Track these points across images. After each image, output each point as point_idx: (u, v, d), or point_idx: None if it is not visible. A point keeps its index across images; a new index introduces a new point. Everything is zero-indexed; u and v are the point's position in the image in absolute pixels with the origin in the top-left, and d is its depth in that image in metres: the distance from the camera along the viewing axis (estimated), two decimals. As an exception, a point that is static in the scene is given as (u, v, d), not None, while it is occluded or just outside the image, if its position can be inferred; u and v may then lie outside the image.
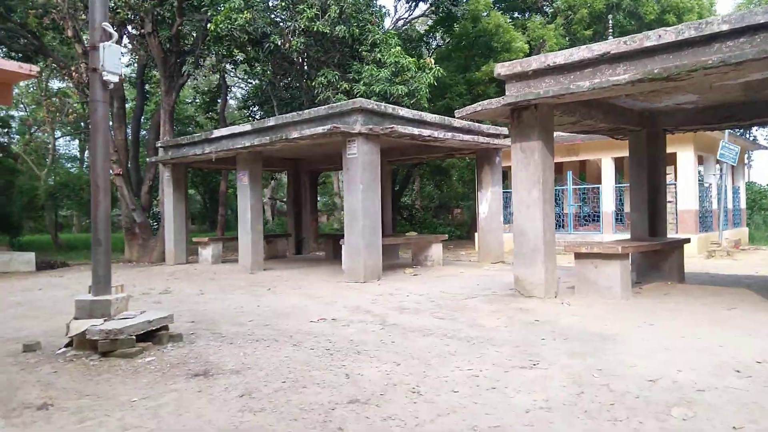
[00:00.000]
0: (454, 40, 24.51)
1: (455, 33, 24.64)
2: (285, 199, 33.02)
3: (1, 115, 31.06)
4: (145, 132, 25.57)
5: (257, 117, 23.54)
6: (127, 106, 20.81)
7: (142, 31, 17.24)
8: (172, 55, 17.58)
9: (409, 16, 29.55)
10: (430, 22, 30.02)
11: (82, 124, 32.29)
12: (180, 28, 16.69)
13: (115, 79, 5.20)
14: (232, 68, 28.67)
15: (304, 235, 16.10)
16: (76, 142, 42.55)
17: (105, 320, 4.90)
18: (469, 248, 18.17)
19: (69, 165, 41.37)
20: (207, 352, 4.92)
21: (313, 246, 16.75)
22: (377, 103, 9.93)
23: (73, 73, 17.11)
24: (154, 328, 5.03)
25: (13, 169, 28.70)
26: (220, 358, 4.70)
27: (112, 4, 17.54)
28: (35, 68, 13.90)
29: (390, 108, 10.00)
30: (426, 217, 29.48)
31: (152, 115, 22.70)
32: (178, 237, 13.41)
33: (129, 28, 17.94)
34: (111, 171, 18.66)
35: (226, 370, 4.33)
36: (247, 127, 11.36)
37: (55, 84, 31.49)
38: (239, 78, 34.84)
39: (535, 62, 7.03)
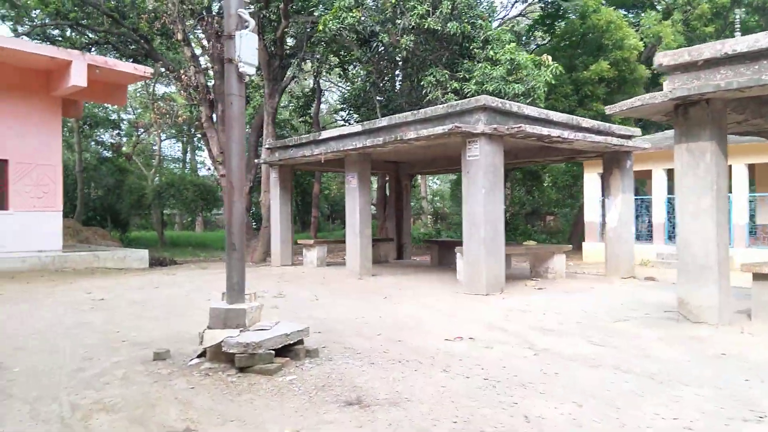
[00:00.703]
0: (556, 39, 23.22)
1: (558, 32, 23.34)
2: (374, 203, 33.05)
3: (113, 117, 33.12)
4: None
5: (352, 121, 23.42)
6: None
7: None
8: (276, 58, 17.74)
9: (506, 15, 28.47)
10: (526, 22, 28.79)
11: (185, 127, 33.95)
12: (285, 30, 16.75)
13: (252, 70, 4.83)
14: (327, 72, 29.00)
15: (405, 240, 15.58)
16: (179, 144, 44.98)
17: (240, 331, 4.52)
18: (575, 259, 16.89)
19: (172, 166, 43.72)
20: (350, 373, 4.40)
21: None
22: (501, 100, 9.18)
23: (182, 76, 17.71)
24: (290, 342, 4.59)
25: (123, 169, 30.53)
26: (367, 382, 4.16)
27: (217, 8, 18.03)
28: (149, 70, 14.38)
29: (515, 106, 9.21)
30: (518, 223, 28.19)
31: (251, 119, 23.21)
32: (284, 238, 13.30)
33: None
34: (217, 172, 19.33)
35: (381, 400, 3.77)
36: (357, 128, 10.98)
37: (161, 89, 33.07)
38: (332, 83, 35.28)
39: (708, 50, 6.01)
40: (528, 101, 12.44)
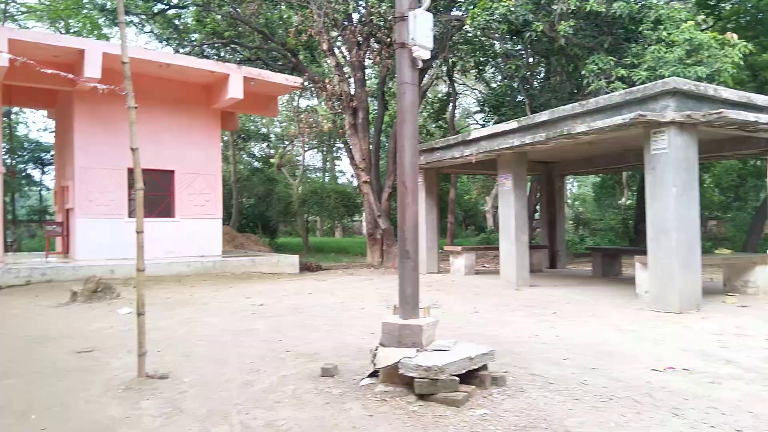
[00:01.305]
0: (722, 22, 20.24)
1: (725, 13, 20.34)
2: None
3: (263, 131, 35.31)
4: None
5: (490, 124, 22.40)
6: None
7: (389, 39, 17.34)
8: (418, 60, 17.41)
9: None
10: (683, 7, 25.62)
11: (325, 138, 35.20)
12: (428, 30, 16.30)
13: (427, 54, 4.26)
14: (463, 74, 28.27)
15: (558, 247, 14.28)
16: (319, 155, 47.00)
17: (417, 351, 3.93)
18: None
19: (314, 176, 45.76)
20: (553, 411, 3.60)
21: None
22: (694, 83, 7.77)
23: (327, 86, 18.06)
24: (475, 368, 3.91)
25: (272, 179, 32.38)
26: (581, 426, 3.33)
27: (359, 15, 18.13)
28: (298, 80, 14.67)
29: (710, 89, 7.75)
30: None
31: (386, 126, 23.21)
32: (430, 245, 12.79)
33: (371, 41, 18.33)
34: (359, 178, 19.49)
35: (611, 455, 2.95)
36: (513, 124, 10.09)
37: (304, 102, 34.50)
38: (467, 86, 34.50)
39: None
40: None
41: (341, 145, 44.56)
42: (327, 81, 18.38)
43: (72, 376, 4.88)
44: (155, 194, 13.88)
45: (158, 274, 12.07)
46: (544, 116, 9.44)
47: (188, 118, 13.91)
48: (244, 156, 35.69)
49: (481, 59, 19.65)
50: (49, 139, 34.95)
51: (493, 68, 21.94)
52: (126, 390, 4.40)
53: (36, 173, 34.80)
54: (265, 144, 34.34)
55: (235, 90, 12.99)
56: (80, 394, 4.32)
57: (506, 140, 10.04)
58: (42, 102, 14.87)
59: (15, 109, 27.40)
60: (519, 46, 14.87)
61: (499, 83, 19.90)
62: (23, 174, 32.30)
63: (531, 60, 16.77)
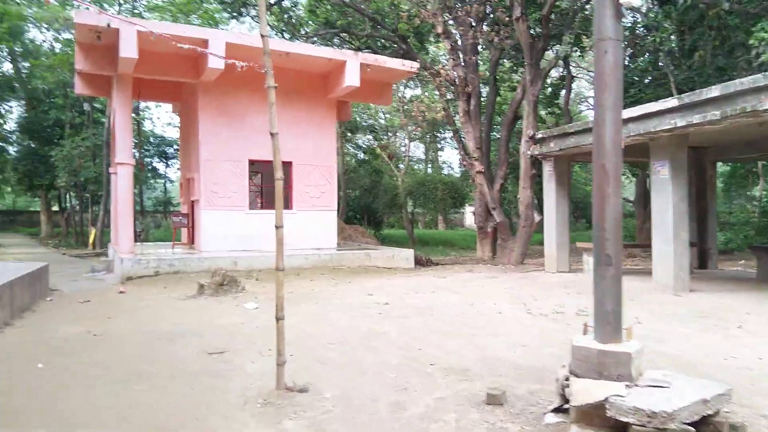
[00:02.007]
0: None
1: None
2: (632, 200, 28.87)
3: (369, 122, 35.21)
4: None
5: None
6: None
7: (507, 18, 16.16)
8: (540, 39, 16.11)
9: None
10: None
11: (431, 128, 34.44)
12: (555, 6, 14.97)
13: (637, 1, 3.31)
14: (581, 56, 26.21)
15: (709, 245, 12.47)
16: (421, 146, 46.36)
17: (627, 386, 3.03)
18: None
19: (416, 167, 45.22)
20: None
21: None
22: None
23: (440, 70, 17.24)
24: (710, 412, 2.95)
25: (378, 171, 32.20)
26: None
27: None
28: (414, 65, 13.87)
29: None
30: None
31: (496, 110, 21.90)
32: (560, 241, 11.61)
33: (484, 23, 17.20)
34: (471, 168, 18.54)
35: None
36: (671, 103, 8.68)
37: (408, 92, 33.89)
38: (581, 68, 32.16)
39: None
40: None
41: (445, 136, 43.75)
42: (440, 66, 17.58)
43: (204, 381, 4.51)
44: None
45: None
46: (714, 91, 7.96)
47: (305, 108, 13.72)
48: (349, 148, 35.88)
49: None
50: (172, 133, 37.32)
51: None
52: (265, 405, 3.92)
53: (161, 166, 37.36)
54: (371, 135, 34.17)
55: (351, 77, 12.55)
56: (216, 407, 3.89)
57: (663, 121, 8.66)
58: (168, 96, 15.42)
59: (142, 106, 29.30)
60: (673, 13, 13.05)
61: (642, 59, 17.87)
62: (150, 167, 34.65)
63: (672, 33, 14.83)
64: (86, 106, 22.77)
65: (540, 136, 11.95)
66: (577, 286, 9.64)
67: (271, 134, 4.21)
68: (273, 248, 11.76)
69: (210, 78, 12.12)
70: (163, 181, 39.16)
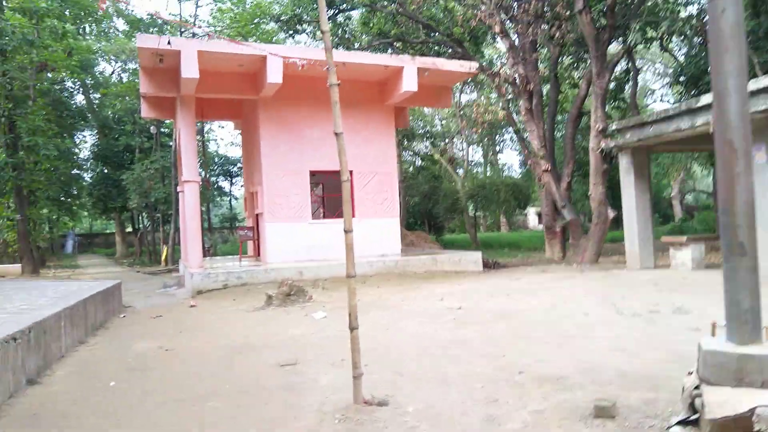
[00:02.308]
0: None
1: None
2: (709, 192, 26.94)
3: (424, 129, 34.88)
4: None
5: (685, 98, 19.09)
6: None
7: (567, 13, 15.47)
8: (605, 30, 15.29)
9: None
10: None
11: (490, 131, 33.75)
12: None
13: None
14: (646, 47, 24.88)
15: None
16: (479, 149, 45.57)
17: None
18: None
19: (475, 171, 44.42)
20: None
21: None
22: None
23: (500, 71, 16.71)
24: None
25: (437, 176, 31.76)
26: None
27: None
28: (474, 65, 13.48)
29: None
30: None
31: (559, 104, 21.01)
32: (643, 236, 10.80)
33: (543, 19, 16.50)
34: (536, 168, 17.83)
35: None
36: (765, 82, 7.85)
37: (464, 97, 33.32)
38: (647, 59, 30.66)
39: None
40: None
41: (504, 138, 42.78)
42: (499, 66, 17.06)
43: (278, 396, 4.27)
44: (336, 195, 13.75)
45: (343, 274, 11.73)
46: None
47: (364, 117, 13.57)
48: (407, 155, 35.64)
49: (671, 25, 16.78)
50: (235, 153, 38.40)
51: (683, 35, 18.78)
52: (343, 420, 3.62)
53: (226, 184, 38.49)
54: (429, 141, 33.81)
55: (409, 82, 12.29)
56: (292, 424, 3.63)
57: (760, 101, 7.84)
58: (229, 114, 15.71)
59: (206, 128, 30.27)
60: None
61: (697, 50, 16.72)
62: (215, 185, 35.72)
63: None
64: (153, 130, 23.69)
65: (615, 127, 11.22)
66: (667, 282, 8.86)
67: (336, 134, 3.95)
68: (337, 257, 11.62)
69: (269, 93, 12.17)
70: (228, 198, 40.30)
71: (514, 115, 19.68)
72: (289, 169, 12.96)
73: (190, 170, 12.27)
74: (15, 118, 15.39)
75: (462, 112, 32.98)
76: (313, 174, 13.31)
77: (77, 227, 44.87)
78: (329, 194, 13.85)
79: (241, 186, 41.19)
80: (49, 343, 5.57)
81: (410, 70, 12.21)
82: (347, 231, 3.93)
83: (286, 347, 5.96)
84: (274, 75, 11.12)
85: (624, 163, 11.01)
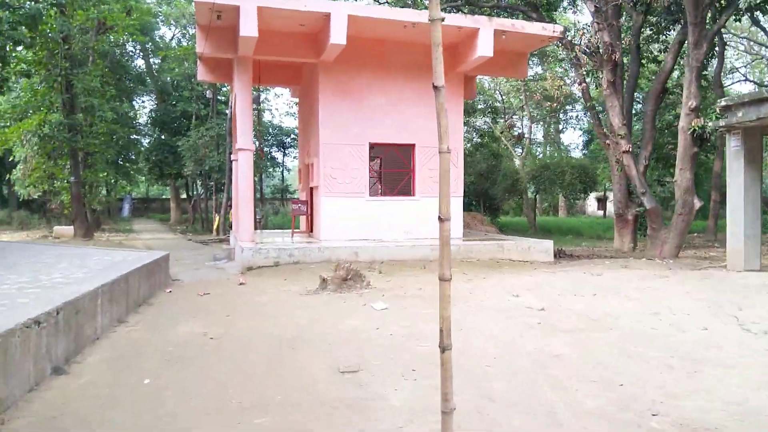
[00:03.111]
0: None
1: None
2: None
3: (484, 105, 33.24)
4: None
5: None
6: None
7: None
8: (706, -6, 13.51)
9: None
10: None
11: (548, 108, 31.83)
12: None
13: None
14: (737, 20, 22.41)
15: None
16: (540, 127, 43.47)
17: None
18: None
19: (535, 150, 42.46)
20: None
21: None
22: None
23: (581, 37, 15.16)
24: None
25: (497, 154, 30.23)
26: None
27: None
28: (558, 28, 11.95)
29: None
30: None
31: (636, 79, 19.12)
32: (750, 232, 9.34)
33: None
34: (614, 148, 16.29)
35: None
36: None
37: (531, 71, 31.52)
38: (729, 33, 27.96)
39: None
40: None
41: (571, 115, 40.51)
42: (581, 33, 15.46)
43: (340, 417, 3.44)
44: (395, 170, 12.80)
45: (401, 257, 10.90)
46: None
47: (429, 85, 12.40)
48: (465, 130, 34.14)
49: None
50: (290, 123, 37.97)
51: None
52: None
53: (278, 155, 38.19)
54: (490, 117, 32.21)
55: (484, 47, 11.08)
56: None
57: None
58: (287, 79, 14.90)
59: (261, 98, 29.77)
60: None
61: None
62: (269, 156, 35.44)
63: None
64: (209, 94, 23.30)
65: (724, 104, 9.70)
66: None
67: (436, 88, 2.93)
68: (395, 238, 10.69)
69: (331, 56, 11.25)
70: (280, 169, 40.09)
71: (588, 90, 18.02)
72: (348, 140, 12.07)
73: (244, 138, 11.57)
74: (71, 78, 15.10)
75: (526, 86, 31.21)
76: (372, 146, 12.37)
77: (134, 191, 45.92)
78: (389, 169, 12.89)
79: (294, 158, 40.93)
80: (81, 324, 4.93)
81: (486, 33, 10.99)
82: (443, 219, 2.96)
83: (345, 344, 5.13)
84: (338, 35, 10.16)
85: (733, 145, 9.50)
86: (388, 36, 11.81)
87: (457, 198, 12.80)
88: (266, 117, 35.34)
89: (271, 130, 35.28)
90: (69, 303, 4.66)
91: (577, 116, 41.88)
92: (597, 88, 18.23)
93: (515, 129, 36.76)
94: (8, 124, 17.81)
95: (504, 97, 35.47)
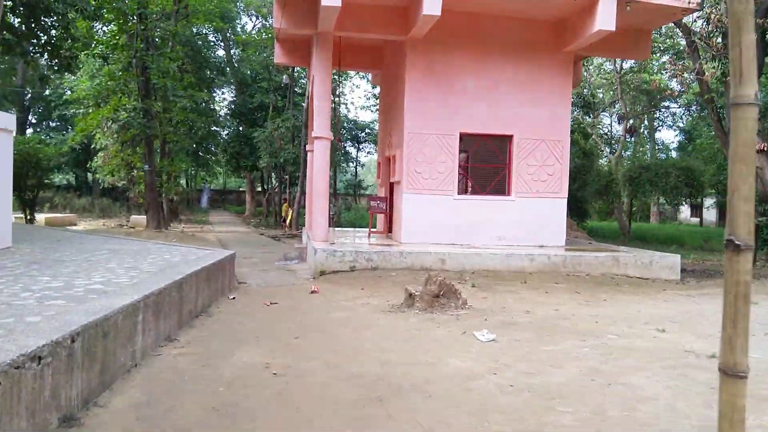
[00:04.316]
0: None
1: None
2: None
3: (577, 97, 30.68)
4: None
5: None
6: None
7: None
8: None
9: None
10: None
11: (643, 102, 28.88)
12: None
13: None
14: None
15: None
16: (634, 123, 39.99)
17: None
18: None
19: (630, 149, 39.16)
20: None
21: None
22: None
23: (709, 16, 12.87)
24: None
25: (588, 153, 27.72)
26: None
27: None
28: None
29: None
30: None
31: None
32: None
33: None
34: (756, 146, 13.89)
35: None
36: None
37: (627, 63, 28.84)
38: None
39: None
40: None
41: (672, 111, 36.99)
42: (708, 11, 13.14)
43: None
44: (487, 166, 11.21)
45: (494, 267, 9.33)
46: None
47: (532, 66, 10.78)
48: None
49: None
50: (365, 117, 37.00)
51: None
52: None
53: (352, 150, 37.31)
54: (581, 111, 29.68)
55: (605, 18, 9.28)
56: None
57: None
58: (369, 62, 13.65)
59: (337, 91, 28.87)
60: None
61: None
62: (343, 150, 34.62)
63: None
64: (285, 79, 22.56)
65: None
66: None
67: None
68: (486, 243, 9.12)
69: (421, 32, 9.85)
70: (353, 164, 39.26)
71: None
72: (435, 129, 10.64)
73: (321, 125, 10.41)
74: (145, 60, 14.51)
75: (622, 78, 28.41)
76: (462, 137, 10.85)
77: (212, 183, 46.67)
78: (479, 164, 11.31)
79: (368, 153, 39.97)
80: (111, 350, 3.79)
81: (608, 2, 9.17)
82: (739, 245, 1.44)
83: (452, 401, 3.70)
84: (432, 5, 8.73)
85: None
86: (485, 9, 10.25)
87: (561, 199, 11.05)
88: (342, 110, 34.53)
89: (345, 124, 34.45)
90: (92, 325, 3.52)
91: (674, 113, 38.35)
92: (716, 80, 15.75)
93: (599, 127, 33.92)
94: (90, 110, 17.69)
95: (594, 90, 32.71)
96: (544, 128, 10.87)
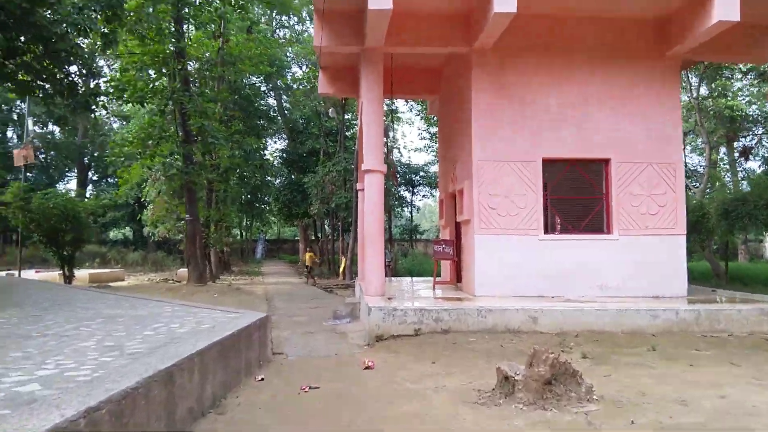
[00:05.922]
0: None
1: None
2: None
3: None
4: None
5: None
6: None
7: None
8: None
9: None
10: None
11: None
12: None
13: None
14: None
15: None
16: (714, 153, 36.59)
17: None
18: None
19: (692, 182, 35.64)
20: None
21: None
22: None
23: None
24: None
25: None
26: None
27: None
28: None
29: None
30: None
31: None
32: None
33: None
34: None
35: None
36: None
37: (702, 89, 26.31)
38: None
39: None
40: None
41: (759, 135, 33.54)
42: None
43: None
44: (580, 198, 9.09)
45: (603, 328, 7.13)
46: None
47: (628, 76, 8.81)
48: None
49: None
50: (418, 159, 35.47)
51: None
52: None
53: (406, 194, 35.67)
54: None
55: (726, 8, 7.26)
56: None
57: None
58: (424, 87, 12.04)
59: (391, 135, 27.59)
60: None
61: None
62: (396, 195, 33.09)
63: None
64: (332, 113, 21.35)
65: None
66: None
67: None
68: (585, 294, 6.65)
69: (491, 38, 8.15)
70: (408, 209, 37.61)
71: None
72: (510, 156, 8.74)
73: (372, 156, 8.74)
74: (183, 101, 13.38)
75: (699, 103, 25.87)
76: (545, 163, 8.87)
77: (267, 233, 46.03)
78: (570, 196, 9.15)
79: (423, 197, 38.27)
80: None
81: (734, -12, 7.19)
82: None
83: None
84: (505, 1, 7.00)
85: None
86: (566, 11, 8.47)
87: (677, 236, 8.78)
88: (395, 155, 33.24)
89: (399, 168, 33.01)
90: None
91: (758, 141, 34.88)
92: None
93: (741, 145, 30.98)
94: (136, 156, 16.82)
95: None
96: (649, 149, 8.76)
